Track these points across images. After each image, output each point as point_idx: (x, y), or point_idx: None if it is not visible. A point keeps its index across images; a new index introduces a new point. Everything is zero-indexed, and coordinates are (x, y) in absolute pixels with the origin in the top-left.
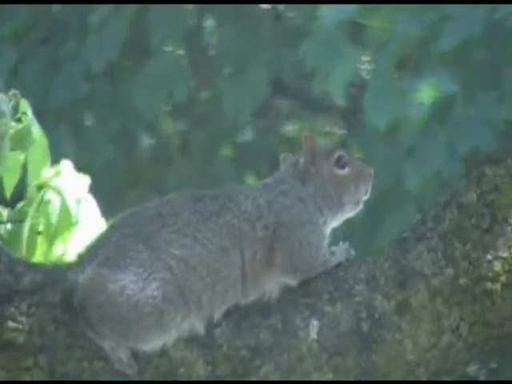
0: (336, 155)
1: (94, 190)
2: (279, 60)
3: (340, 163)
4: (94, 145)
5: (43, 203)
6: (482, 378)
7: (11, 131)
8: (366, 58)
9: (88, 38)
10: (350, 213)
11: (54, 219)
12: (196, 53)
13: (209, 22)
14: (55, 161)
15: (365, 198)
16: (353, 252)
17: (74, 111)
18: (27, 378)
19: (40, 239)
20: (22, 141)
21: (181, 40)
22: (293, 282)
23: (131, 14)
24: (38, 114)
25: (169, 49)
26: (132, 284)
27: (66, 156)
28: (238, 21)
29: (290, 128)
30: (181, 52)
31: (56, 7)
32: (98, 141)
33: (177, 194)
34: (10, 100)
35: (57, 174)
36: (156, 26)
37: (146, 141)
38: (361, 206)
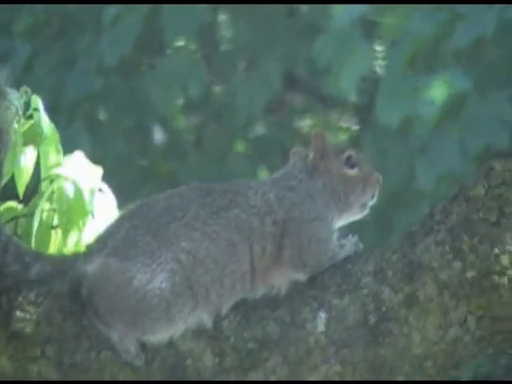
0: (346, 154)
1: (108, 185)
2: (292, 55)
3: (349, 163)
4: (107, 140)
5: (57, 193)
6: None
7: (23, 128)
8: (379, 55)
9: (102, 34)
10: (355, 215)
11: (67, 207)
12: (209, 48)
13: (222, 17)
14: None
15: (371, 202)
16: (361, 245)
17: (89, 106)
18: (34, 368)
19: (54, 233)
20: (33, 137)
21: (194, 35)
22: (302, 277)
23: (145, 10)
24: (53, 110)
25: (182, 44)
26: (140, 275)
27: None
28: (252, 16)
29: (304, 123)
30: (194, 47)
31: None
32: (111, 136)
33: (186, 187)
34: (22, 96)
35: (69, 165)
36: (169, 22)
37: (159, 136)
38: (367, 210)
